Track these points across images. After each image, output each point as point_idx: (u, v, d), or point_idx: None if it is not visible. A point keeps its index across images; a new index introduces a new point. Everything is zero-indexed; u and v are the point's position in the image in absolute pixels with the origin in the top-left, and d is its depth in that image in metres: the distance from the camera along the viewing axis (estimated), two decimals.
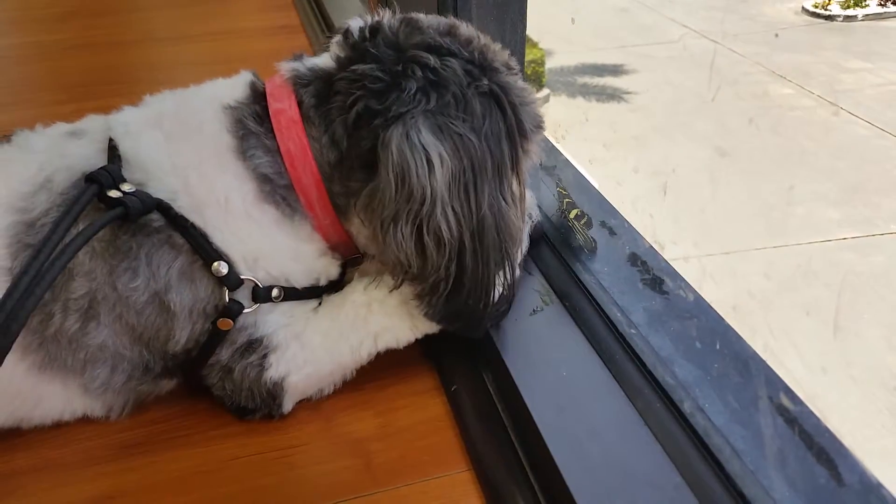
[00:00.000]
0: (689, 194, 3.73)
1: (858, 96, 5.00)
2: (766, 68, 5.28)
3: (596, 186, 0.99)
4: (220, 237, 0.70)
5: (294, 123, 0.71)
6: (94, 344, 0.70)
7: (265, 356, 0.73)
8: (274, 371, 0.73)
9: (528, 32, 1.12)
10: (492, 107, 0.69)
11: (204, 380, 0.75)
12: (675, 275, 0.78)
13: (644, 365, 0.69)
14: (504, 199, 0.69)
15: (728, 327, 0.70)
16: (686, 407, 0.63)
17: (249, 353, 0.72)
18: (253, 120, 0.71)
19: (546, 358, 0.76)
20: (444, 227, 0.66)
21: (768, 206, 3.68)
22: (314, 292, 0.76)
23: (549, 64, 6.54)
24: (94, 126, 0.75)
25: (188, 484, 0.70)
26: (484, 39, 0.73)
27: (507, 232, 0.70)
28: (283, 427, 0.75)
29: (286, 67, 0.74)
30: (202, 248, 0.69)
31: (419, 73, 0.67)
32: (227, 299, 0.70)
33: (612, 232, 0.89)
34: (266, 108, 0.72)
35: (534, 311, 0.80)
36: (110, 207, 0.66)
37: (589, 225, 0.89)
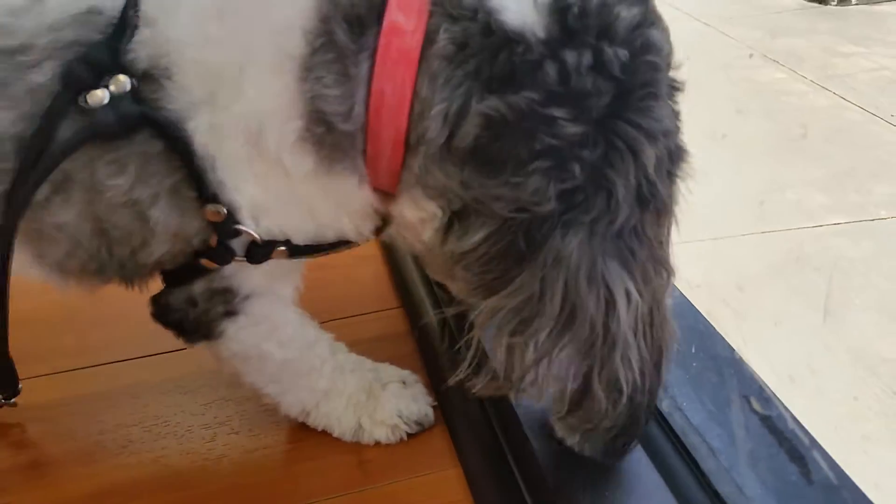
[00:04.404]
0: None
1: (851, 81, 4.99)
2: (758, 52, 5.26)
3: None
4: (231, 176, 0.53)
5: (408, 60, 0.48)
6: (53, 222, 0.57)
7: (235, 314, 0.63)
8: (233, 328, 0.64)
9: None
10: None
11: (165, 292, 0.64)
12: None
13: None
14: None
15: (708, 326, 0.72)
16: (665, 406, 0.64)
17: (220, 302, 0.62)
18: (346, 28, 0.48)
19: None
20: (622, 374, 0.50)
21: (760, 191, 3.69)
22: (317, 250, 0.61)
23: None
24: None
25: (180, 480, 0.72)
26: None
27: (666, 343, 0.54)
28: (274, 424, 0.76)
29: None
30: (200, 187, 0.54)
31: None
32: (216, 244, 0.57)
33: None
34: (379, 18, 0.48)
35: None
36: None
37: None
